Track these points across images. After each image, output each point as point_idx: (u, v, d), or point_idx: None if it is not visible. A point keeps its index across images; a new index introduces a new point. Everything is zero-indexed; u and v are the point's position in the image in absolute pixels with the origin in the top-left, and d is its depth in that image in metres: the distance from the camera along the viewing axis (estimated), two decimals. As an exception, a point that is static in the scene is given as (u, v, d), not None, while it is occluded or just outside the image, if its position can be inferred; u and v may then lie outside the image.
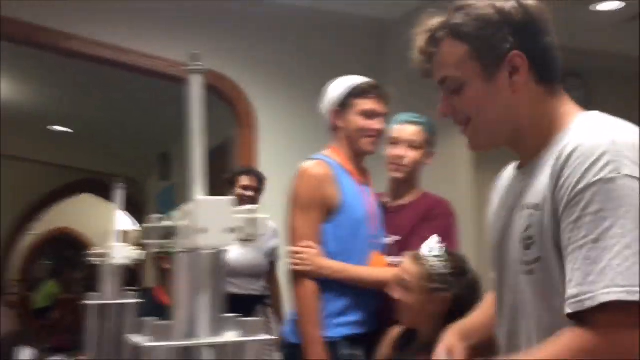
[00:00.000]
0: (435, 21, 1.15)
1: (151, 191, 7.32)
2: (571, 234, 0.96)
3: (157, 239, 0.87)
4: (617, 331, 0.90)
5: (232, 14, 3.88)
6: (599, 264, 0.91)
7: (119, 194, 1.75)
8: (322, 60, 3.97)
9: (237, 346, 0.82)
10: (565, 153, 1.01)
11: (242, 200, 3.13)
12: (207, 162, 0.84)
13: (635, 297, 0.89)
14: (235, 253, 3.08)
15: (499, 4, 1.09)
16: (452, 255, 1.85)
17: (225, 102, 3.90)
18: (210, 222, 0.81)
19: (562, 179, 1.00)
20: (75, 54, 3.63)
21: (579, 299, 0.93)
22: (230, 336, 0.83)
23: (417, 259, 1.81)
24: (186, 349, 0.81)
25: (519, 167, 1.20)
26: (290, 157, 3.93)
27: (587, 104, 4.92)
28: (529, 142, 1.13)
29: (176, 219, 0.86)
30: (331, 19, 4.03)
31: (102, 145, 6.96)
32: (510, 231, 1.12)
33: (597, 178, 0.95)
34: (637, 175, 0.95)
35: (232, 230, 0.82)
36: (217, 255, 0.84)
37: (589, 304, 0.91)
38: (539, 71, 1.11)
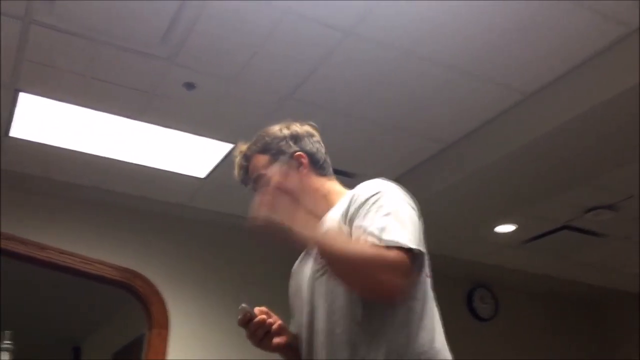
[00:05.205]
0: (244, 147, 1.56)
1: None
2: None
3: None
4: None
5: (156, 216, 3.98)
6: None
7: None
8: (239, 268, 4.02)
9: None
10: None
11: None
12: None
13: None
14: None
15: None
16: None
17: (139, 301, 3.87)
18: None
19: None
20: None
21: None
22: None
23: None
24: None
25: None
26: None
27: (495, 314, 4.99)
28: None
29: None
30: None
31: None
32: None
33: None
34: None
35: None
36: None
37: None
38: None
